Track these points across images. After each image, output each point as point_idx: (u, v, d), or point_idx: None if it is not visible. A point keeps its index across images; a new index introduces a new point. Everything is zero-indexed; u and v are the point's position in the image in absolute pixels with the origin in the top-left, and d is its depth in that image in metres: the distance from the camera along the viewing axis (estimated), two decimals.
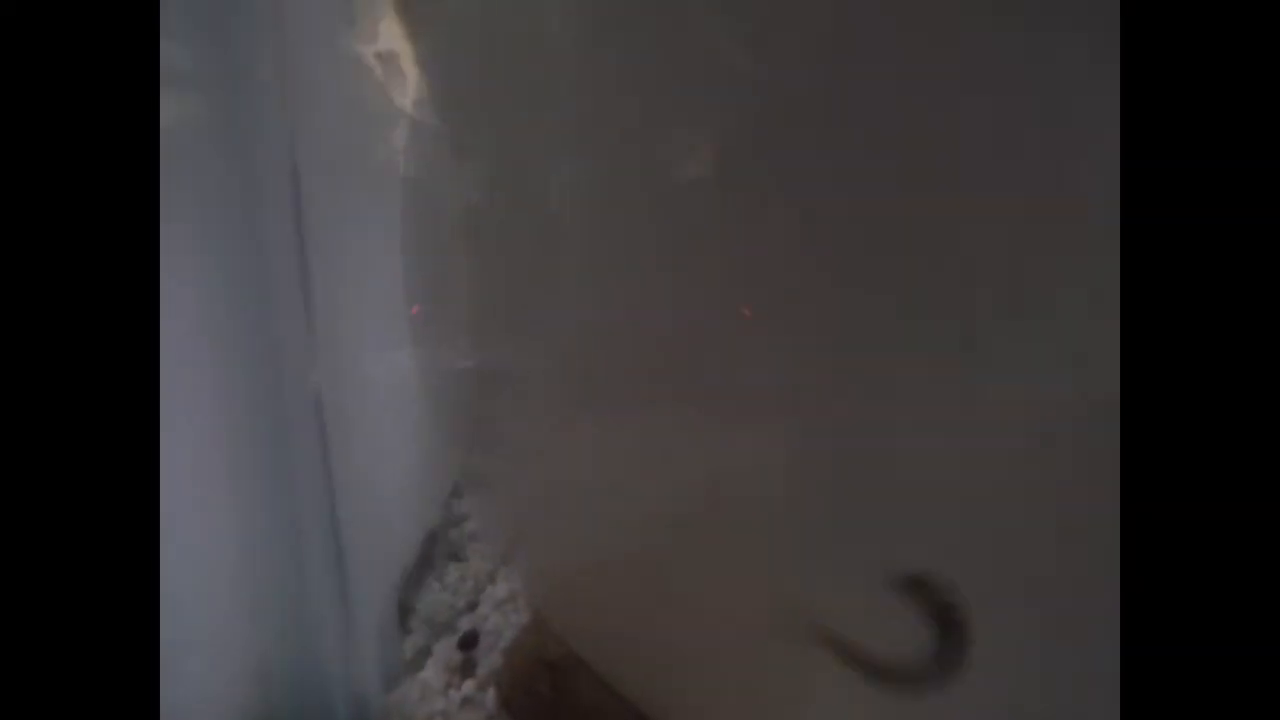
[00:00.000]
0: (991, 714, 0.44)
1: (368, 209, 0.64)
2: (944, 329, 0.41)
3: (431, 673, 0.74)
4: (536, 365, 0.59)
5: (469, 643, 0.77)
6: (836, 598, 0.47)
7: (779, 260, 0.45)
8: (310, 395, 0.60)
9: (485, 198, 0.59)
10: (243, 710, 0.60)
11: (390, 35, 0.61)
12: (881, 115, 0.40)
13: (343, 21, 0.60)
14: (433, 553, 0.83)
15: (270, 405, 0.58)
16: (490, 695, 0.70)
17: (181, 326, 0.49)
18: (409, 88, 0.61)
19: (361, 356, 0.68)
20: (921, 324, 0.41)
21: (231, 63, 0.49)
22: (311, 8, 0.54)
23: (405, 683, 0.72)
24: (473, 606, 0.79)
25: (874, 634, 0.45)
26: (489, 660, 0.74)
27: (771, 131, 0.43)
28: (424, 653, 0.76)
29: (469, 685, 0.72)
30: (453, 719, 0.69)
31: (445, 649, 0.76)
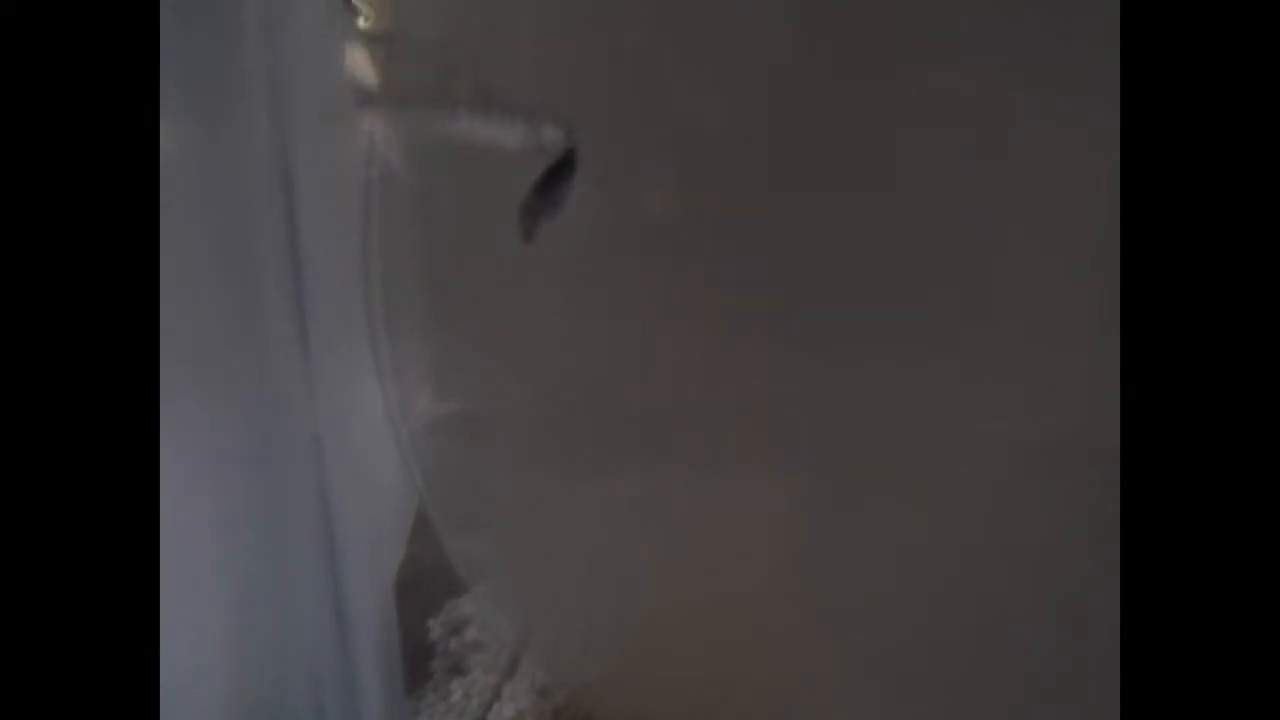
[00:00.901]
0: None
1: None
2: (943, 336, 0.40)
3: None
4: (516, 414, 0.57)
5: None
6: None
7: (765, 285, 0.44)
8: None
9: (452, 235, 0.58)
10: None
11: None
12: (877, 118, 0.40)
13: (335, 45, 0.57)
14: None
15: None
16: None
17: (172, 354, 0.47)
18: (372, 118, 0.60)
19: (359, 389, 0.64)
20: (922, 332, 0.40)
21: (222, 75, 0.46)
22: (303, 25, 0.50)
23: None
24: None
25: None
26: None
27: (756, 147, 0.43)
28: None
29: None
30: None
31: None
